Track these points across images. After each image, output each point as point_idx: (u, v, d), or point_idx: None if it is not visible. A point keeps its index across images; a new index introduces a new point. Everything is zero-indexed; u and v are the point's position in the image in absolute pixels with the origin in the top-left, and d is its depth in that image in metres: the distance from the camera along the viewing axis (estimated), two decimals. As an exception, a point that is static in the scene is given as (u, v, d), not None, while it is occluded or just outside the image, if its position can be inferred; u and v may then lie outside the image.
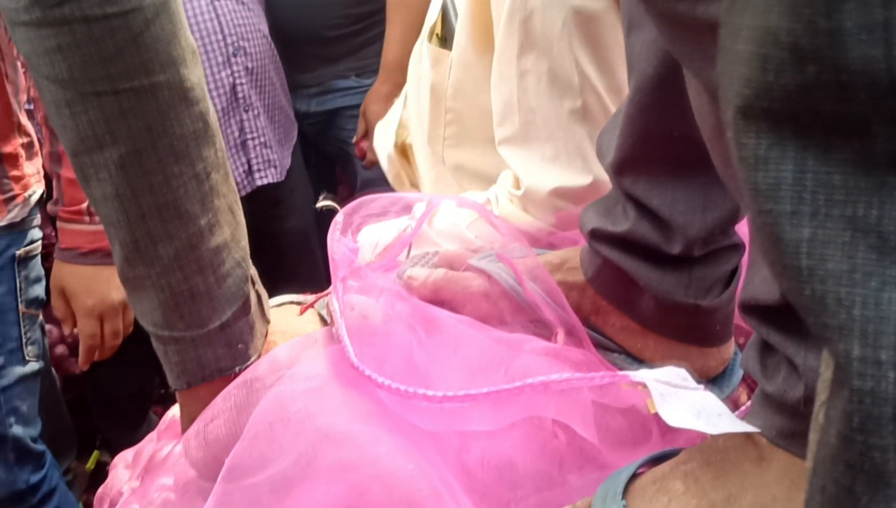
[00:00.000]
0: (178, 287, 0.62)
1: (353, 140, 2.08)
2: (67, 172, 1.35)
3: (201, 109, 0.61)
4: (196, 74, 0.61)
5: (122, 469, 0.84)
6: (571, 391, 0.55)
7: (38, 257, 1.44)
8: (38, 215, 1.44)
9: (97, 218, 1.34)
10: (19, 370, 1.38)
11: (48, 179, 1.47)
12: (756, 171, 0.28)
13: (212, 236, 0.63)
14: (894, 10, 0.25)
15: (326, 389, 0.62)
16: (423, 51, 1.00)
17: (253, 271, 0.68)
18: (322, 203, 0.87)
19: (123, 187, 0.59)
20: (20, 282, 1.39)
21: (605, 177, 0.69)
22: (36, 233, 1.43)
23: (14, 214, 1.36)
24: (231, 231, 0.65)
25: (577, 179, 0.79)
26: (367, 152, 2.03)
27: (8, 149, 1.34)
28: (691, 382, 0.54)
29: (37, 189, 1.41)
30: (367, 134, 2.05)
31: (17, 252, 1.38)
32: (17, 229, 1.37)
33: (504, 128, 0.84)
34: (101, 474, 1.50)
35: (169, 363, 0.66)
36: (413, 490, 0.53)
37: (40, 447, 1.45)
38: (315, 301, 0.77)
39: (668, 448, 0.52)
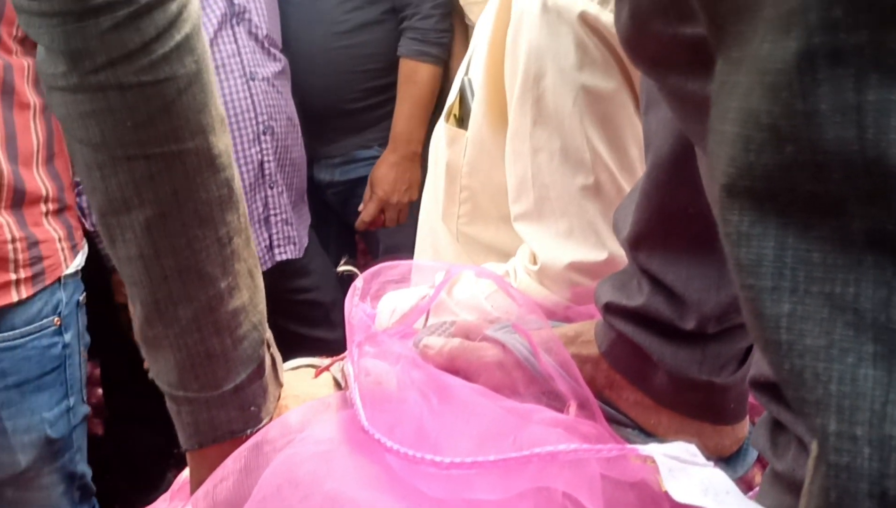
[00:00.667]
0: (195, 348, 0.63)
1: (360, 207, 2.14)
2: None
3: (227, 175, 0.63)
4: (224, 142, 0.63)
5: (134, 529, 0.84)
6: (580, 462, 0.54)
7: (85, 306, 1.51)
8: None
9: None
10: (83, 411, 1.45)
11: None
12: (739, 247, 0.29)
13: (230, 299, 0.64)
14: (866, 93, 0.26)
15: (336, 453, 0.62)
16: (441, 131, 1.02)
17: (269, 335, 0.69)
18: (342, 268, 0.89)
19: (147, 248, 0.61)
20: (81, 328, 1.45)
21: (620, 252, 0.70)
22: (82, 284, 1.50)
23: (78, 261, 1.44)
24: (249, 295, 0.66)
25: (592, 254, 0.80)
26: (364, 216, 2.11)
27: (72, 201, 1.42)
28: (701, 458, 0.54)
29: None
30: (371, 198, 2.11)
31: (79, 298, 1.45)
32: (78, 277, 1.44)
33: (519, 204, 0.85)
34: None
35: (181, 423, 0.67)
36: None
37: (93, 487, 1.51)
38: (330, 365, 0.77)
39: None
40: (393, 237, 2.10)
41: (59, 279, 1.38)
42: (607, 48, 0.80)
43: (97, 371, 2.22)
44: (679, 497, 0.48)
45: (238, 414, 0.66)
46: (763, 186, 0.29)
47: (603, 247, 0.80)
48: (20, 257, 1.31)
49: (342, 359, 0.75)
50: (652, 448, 0.53)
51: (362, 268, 0.82)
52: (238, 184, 0.65)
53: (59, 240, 1.38)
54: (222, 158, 0.62)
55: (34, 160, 1.35)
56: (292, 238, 2.05)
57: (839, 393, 0.27)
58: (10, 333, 1.30)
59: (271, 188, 1.98)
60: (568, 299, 0.82)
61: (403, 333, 0.81)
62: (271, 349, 0.69)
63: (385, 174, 2.10)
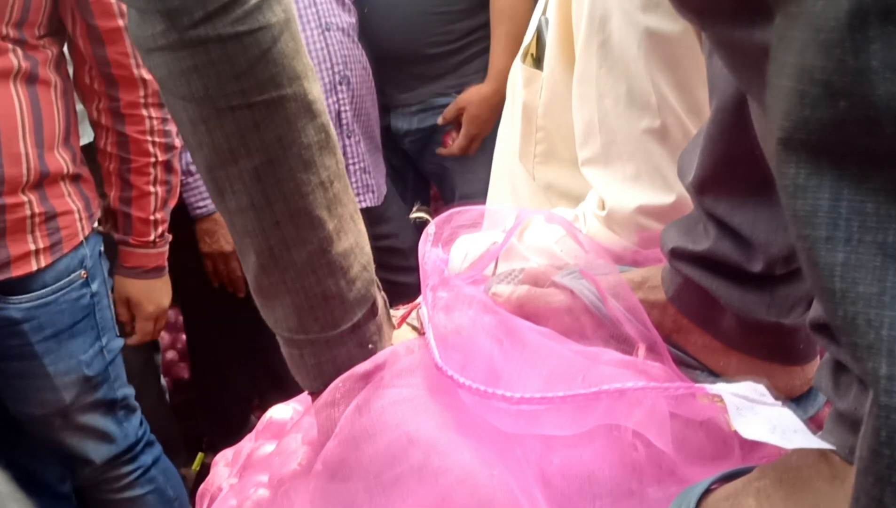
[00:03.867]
0: (312, 290, 0.65)
1: (440, 121, 2.14)
2: (138, 212, 1.59)
3: (323, 120, 0.65)
4: (317, 89, 0.64)
5: (223, 466, 0.88)
6: (649, 401, 0.56)
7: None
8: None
9: (160, 242, 1.62)
10: (118, 344, 1.60)
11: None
12: (795, 198, 0.30)
13: (339, 241, 0.66)
14: None
15: (418, 396, 0.65)
16: (517, 71, 1.03)
17: (376, 277, 0.71)
18: (416, 214, 0.90)
19: (258, 197, 0.63)
20: (105, 273, 1.59)
21: (687, 196, 0.70)
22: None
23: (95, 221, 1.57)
24: (355, 237, 0.68)
25: (659, 197, 0.80)
26: (455, 148, 2.10)
27: (86, 172, 1.55)
28: (769, 397, 0.55)
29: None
30: (464, 130, 2.10)
31: (100, 248, 1.58)
32: (97, 231, 1.58)
33: (586, 149, 0.86)
34: (206, 474, 1.58)
35: (305, 365, 0.70)
36: (493, 496, 0.55)
37: (136, 403, 1.67)
38: (408, 313, 0.80)
39: (742, 466, 0.53)
40: (470, 185, 2.10)
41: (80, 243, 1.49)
42: None
43: (181, 318, 2.29)
44: (747, 434, 0.49)
45: (358, 352, 0.68)
46: (818, 140, 0.29)
47: (670, 190, 0.80)
48: (38, 230, 1.42)
49: (417, 306, 0.77)
50: (720, 387, 0.54)
51: (435, 214, 0.84)
52: (332, 130, 0.66)
53: (78, 211, 1.49)
54: (318, 103, 0.64)
55: (55, 141, 1.44)
56: (371, 186, 2.07)
57: (890, 338, 0.28)
58: (43, 291, 1.43)
59: (349, 138, 2.00)
60: (636, 243, 0.82)
61: (475, 278, 0.82)
62: (381, 292, 0.72)
63: (481, 110, 2.09)
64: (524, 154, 1.02)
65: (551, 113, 0.96)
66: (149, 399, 2.05)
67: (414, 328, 0.78)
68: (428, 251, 0.78)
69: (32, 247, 1.42)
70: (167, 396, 2.30)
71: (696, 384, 0.55)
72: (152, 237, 1.61)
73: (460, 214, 0.82)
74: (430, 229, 0.79)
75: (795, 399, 0.71)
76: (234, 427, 2.22)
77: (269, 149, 0.62)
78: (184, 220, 1.86)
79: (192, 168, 1.81)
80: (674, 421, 0.59)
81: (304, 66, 0.63)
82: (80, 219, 1.49)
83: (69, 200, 1.47)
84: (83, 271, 1.49)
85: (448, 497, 0.56)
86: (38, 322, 1.44)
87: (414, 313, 0.79)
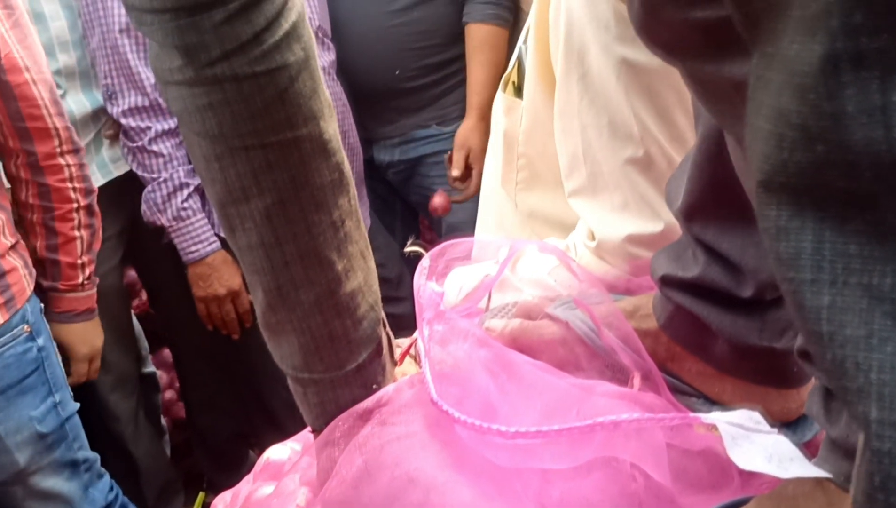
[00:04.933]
0: (318, 331, 0.65)
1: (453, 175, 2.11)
2: (65, 257, 1.63)
3: (338, 159, 0.65)
4: (333, 127, 0.64)
5: (221, 509, 0.88)
6: (644, 432, 0.56)
7: None
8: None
9: (88, 285, 1.65)
10: (72, 406, 1.58)
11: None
12: (778, 241, 0.30)
13: (348, 281, 0.66)
14: (891, 94, 0.27)
15: (416, 433, 0.65)
16: (499, 100, 1.04)
17: (382, 315, 0.71)
18: (409, 248, 0.91)
19: (268, 236, 0.63)
20: (47, 331, 1.59)
21: (675, 223, 0.70)
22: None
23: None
24: (364, 276, 0.68)
25: (648, 226, 0.81)
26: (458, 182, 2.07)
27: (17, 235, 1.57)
28: (765, 425, 0.55)
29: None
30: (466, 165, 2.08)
31: (40, 306, 1.58)
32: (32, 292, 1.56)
33: (572, 180, 0.86)
34: (207, 514, 1.58)
35: (308, 404, 0.69)
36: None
37: (103, 469, 1.64)
38: (409, 348, 0.80)
39: (740, 497, 0.53)
40: (455, 215, 2.12)
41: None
42: None
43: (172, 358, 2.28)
44: (743, 464, 0.49)
45: (362, 392, 0.68)
46: (798, 182, 0.30)
47: (658, 218, 0.81)
48: None
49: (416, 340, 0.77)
50: (715, 417, 0.54)
51: (429, 246, 0.84)
52: (347, 167, 0.66)
53: (22, 267, 1.51)
54: (333, 142, 0.64)
55: None
56: None
57: (879, 381, 0.28)
58: None
59: None
60: (627, 272, 0.83)
61: (469, 311, 0.83)
62: (386, 329, 0.72)
63: (481, 140, 2.06)
64: (506, 181, 1.03)
65: (532, 140, 0.97)
66: (144, 442, 2.04)
67: (416, 359, 0.78)
68: (423, 285, 0.78)
69: None
70: (167, 436, 2.29)
71: (692, 414, 0.55)
72: (80, 281, 1.65)
73: (454, 246, 0.82)
74: (424, 263, 0.79)
75: (792, 423, 0.71)
76: (231, 465, 2.21)
77: (281, 189, 0.61)
78: (176, 265, 1.86)
79: (183, 214, 1.81)
80: (671, 451, 0.59)
81: (321, 104, 0.63)
82: (25, 275, 1.51)
83: (11, 258, 1.49)
84: (26, 326, 1.49)
85: (448, 536, 0.56)
86: None
87: (414, 347, 0.79)
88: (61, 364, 1.60)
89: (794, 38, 0.29)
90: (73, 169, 1.58)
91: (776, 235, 0.30)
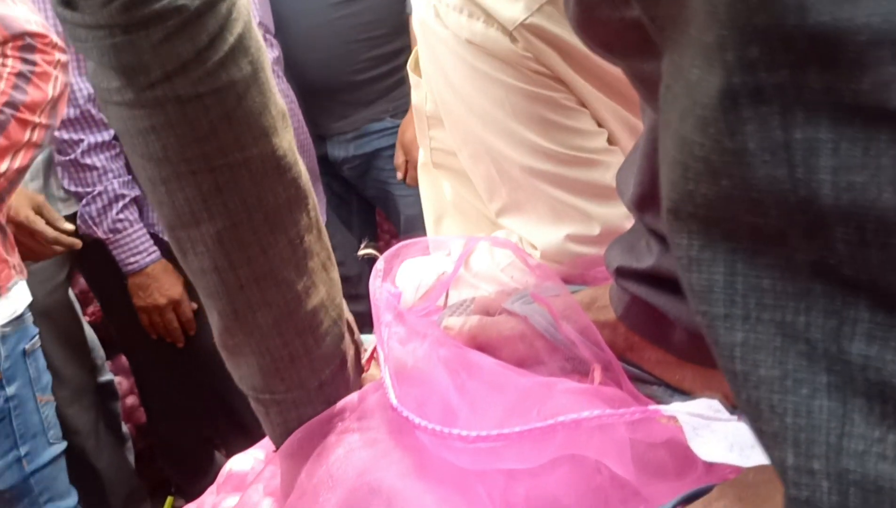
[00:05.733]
0: (278, 352, 0.63)
1: (398, 178, 2.10)
2: None
3: (293, 174, 0.61)
4: (286, 140, 0.61)
5: (186, 523, 0.87)
6: (606, 428, 0.56)
7: (40, 349, 1.53)
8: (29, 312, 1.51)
9: None
10: (46, 455, 1.48)
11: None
12: (690, 272, 0.29)
13: (308, 299, 0.63)
14: (793, 132, 0.26)
15: (377, 440, 0.64)
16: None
17: (351, 320, 0.69)
18: (363, 251, 0.90)
19: (221, 260, 0.60)
20: (33, 374, 1.48)
21: (612, 219, 0.70)
22: (33, 329, 1.51)
23: (12, 309, 1.42)
24: (326, 289, 0.65)
25: (583, 229, 0.81)
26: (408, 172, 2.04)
27: None
28: (724, 412, 0.55)
29: (18, 280, 1.46)
30: (408, 162, 2.06)
31: (26, 346, 1.46)
32: (24, 325, 1.45)
33: (496, 201, 0.87)
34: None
35: (271, 423, 0.68)
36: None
37: None
38: (371, 356, 0.79)
39: (701, 486, 0.53)
40: (414, 206, 2.10)
41: None
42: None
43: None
44: (704, 455, 0.49)
45: (324, 409, 0.67)
46: (706, 214, 0.28)
47: (590, 221, 0.81)
48: None
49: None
50: (675, 408, 0.54)
51: (387, 241, 0.83)
52: (305, 179, 0.63)
53: None
54: (287, 157, 0.61)
55: None
56: None
57: (795, 426, 0.27)
58: None
59: None
60: (579, 266, 0.83)
61: (428, 310, 0.82)
62: (355, 337, 0.70)
63: (410, 131, 2.05)
64: (422, 141, 1.02)
65: (438, 125, 0.96)
66: (106, 454, 2.02)
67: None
68: (379, 288, 0.77)
69: None
70: (130, 443, 2.26)
71: (652, 407, 0.55)
72: None
73: (408, 247, 0.81)
74: (379, 265, 0.78)
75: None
76: (198, 469, 2.20)
77: (232, 213, 0.58)
78: (116, 276, 1.83)
79: (119, 225, 1.78)
80: (635, 444, 0.59)
81: (272, 119, 0.59)
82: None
83: None
84: None
85: (414, 545, 0.56)
86: None
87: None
88: (39, 410, 1.49)
89: (693, 62, 0.28)
90: None
91: (688, 265, 0.29)
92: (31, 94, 1.33)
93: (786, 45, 0.25)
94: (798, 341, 0.27)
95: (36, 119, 1.35)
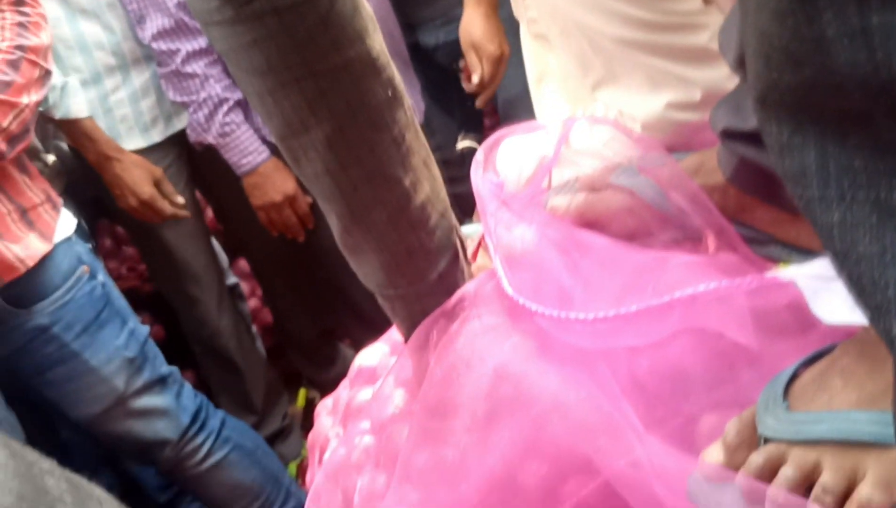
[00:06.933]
0: (396, 247, 0.67)
1: (474, 82, 1.96)
2: None
3: (388, 74, 0.64)
4: (378, 42, 0.63)
5: (325, 416, 0.92)
6: (724, 299, 0.56)
7: None
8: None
9: None
10: (144, 329, 1.66)
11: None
12: (783, 158, 0.29)
13: (416, 195, 0.66)
14: (870, 17, 0.26)
15: (499, 325, 0.66)
16: None
17: (455, 221, 0.72)
18: (462, 144, 0.90)
19: (332, 163, 0.63)
20: (104, 269, 1.64)
21: (712, 82, 0.68)
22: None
23: (68, 219, 1.58)
24: (430, 185, 0.68)
25: (683, 95, 0.79)
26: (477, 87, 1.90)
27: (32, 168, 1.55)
28: (845, 271, 0.54)
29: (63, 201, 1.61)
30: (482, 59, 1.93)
31: (90, 246, 1.64)
32: (79, 233, 1.60)
33: (591, 75, 0.85)
34: (311, 409, 1.66)
35: (398, 317, 0.72)
36: (585, 417, 0.56)
37: (183, 379, 1.73)
38: (481, 242, 0.80)
39: (824, 346, 0.53)
40: (510, 88, 2.05)
41: (67, 237, 1.53)
42: None
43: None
44: (826, 318, 0.49)
45: (446, 299, 0.70)
46: (792, 101, 0.29)
47: (690, 86, 0.78)
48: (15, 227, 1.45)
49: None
50: (793, 272, 0.54)
51: (489, 129, 0.84)
52: (398, 80, 0.65)
53: (42, 203, 1.51)
54: (381, 58, 0.63)
55: None
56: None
57: None
58: (57, 293, 1.50)
59: None
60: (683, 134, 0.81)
61: (532, 195, 0.82)
62: (459, 233, 0.72)
63: (475, 29, 1.91)
64: (519, 12, 0.99)
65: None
66: (245, 352, 2.13)
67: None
68: (481, 178, 0.77)
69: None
70: (260, 342, 2.37)
71: (769, 274, 0.54)
72: None
73: (505, 135, 0.81)
74: (478, 157, 0.79)
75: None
76: (325, 361, 2.29)
77: (338, 116, 0.61)
78: (234, 176, 1.88)
79: (227, 129, 1.82)
80: (756, 311, 0.58)
81: (363, 22, 0.61)
82: (47, 211, 1.52)
83: (30, 193, 1.49)
84: (84, 267, 1.54)
85: (542, 426, 0.58)
86: (65, 322, 1.51)
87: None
88: (121, 296, 1.66)
89: None
90: None
91: (780, 152, 0.29)
92: (33, 40, 1.44)
93: None
94: (894, 216, 0.28)
95: (41, 62, 1.45)
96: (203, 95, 1.80)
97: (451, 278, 0.70)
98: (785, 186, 0.63)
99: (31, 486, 0.23)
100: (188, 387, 1.73)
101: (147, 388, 1.62)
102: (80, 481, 0.26)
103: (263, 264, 2.21)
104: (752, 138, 0.65)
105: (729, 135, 0.67)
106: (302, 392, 2.37)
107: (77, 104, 1.73)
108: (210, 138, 1.83)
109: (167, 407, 1.65)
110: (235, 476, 1.75)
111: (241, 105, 1.84)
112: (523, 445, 0.60)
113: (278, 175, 1.86)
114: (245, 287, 2.45)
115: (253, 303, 2.47)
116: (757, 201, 0.69)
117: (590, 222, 0.73)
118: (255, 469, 1.78)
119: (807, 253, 0.67)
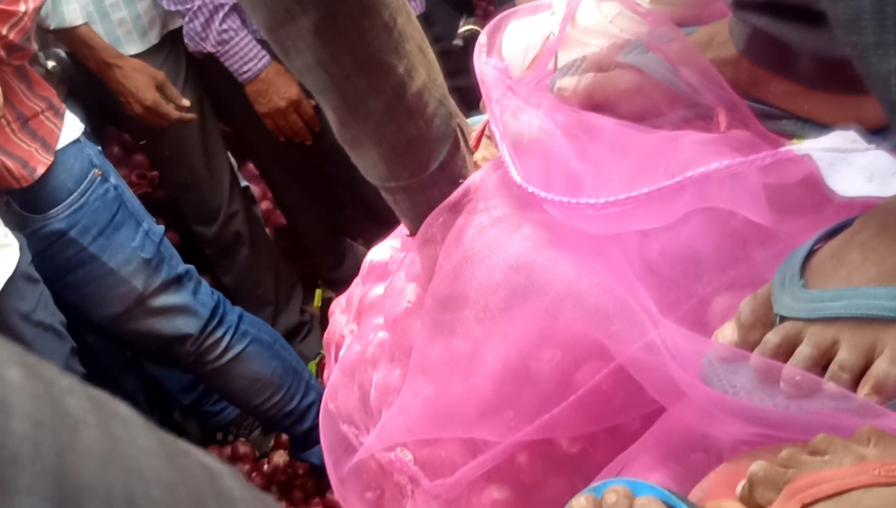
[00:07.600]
0: (395, 137, 0.64)
1: None
2: None
3: None
4: None
5: (339, 314, 0.91)
6: (737, 176, 0.54)
7: None
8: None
9: None
10: (159, 229, 1.68)
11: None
12: (835, 2, 0.27)
13: (412, 82, 0.64)
14: None
15: (507, 216, 0.65)
16: None
17: (453, 106, 0.70)
18: (463, 28, 0.87)
19: (323, 53, 0.61)
20: (116, 172, 1.65)
21: None
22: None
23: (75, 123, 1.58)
24: (426, 71, 0.66)
25: None
26: None
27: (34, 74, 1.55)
28: (861, 142, 0.52)
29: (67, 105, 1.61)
30: None
31: (100, 149, 1.65)
32: (87, 136, 1.60)
33: None
34: (328, 308, 1.68)
35: (402, 210, 0.70)
36: (599, 302, 0.55)
37: (199, 277, 1.76)
38: (483, 130, 0.78)
39: (842, 220, 0.51)
40: None
41: (76, 141, 1.54)
42: None
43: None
44: (844, 192, 0.48)
45: (450, 189, 0.68)
46: None
47: None
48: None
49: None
50: (808, 146, 0.52)
51: (484, 9, 0.80)
52: None
53: (42, 110, 1.50)
54: None
55: None
56: None
57: None
58: (71, 197, 1.53)
59: None
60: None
61: (538, 78, 0.80)
62: (458, 119, 0.70)
63: None
64: None
65: None
66: (260, 250, 2.14)
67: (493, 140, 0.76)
68: (484, 64, 0.75)
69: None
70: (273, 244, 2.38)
71: (783, 149, 0.53)
72: None
73: (509, 17, 0.78)
74: (481, 40, 0.76)
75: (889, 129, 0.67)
76: (337, 257, 2.31)
77: (325, 2, 0.59)
78: (237, 83, 1.86)
79: (225, 37, 1.78)
80: (767, 185, 0.57)
81: None
82: (49, 118, 1.51)
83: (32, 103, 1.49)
84: (96, 169, 1.55)
85: (556, 313, 0.57)
86: (82, 226, 1.54)
87: (489, 128, 0.77)
88: (135, 197, 1.68)
89: None
90: None
91: None
92: None
93: None
94: None
95: None
96: (198, 2, 1.76)
97: (454, 167, 0.68)
98: (835, 34, 0.61)
99: (50, 408, 0.22)
100: (205, 284, 1.76)
101: (165, 286, 1.65)
102: (104, 398, 0.25)
103: (272, 166, 2.20)
104: (766, 7, 0.63)
105: (741, 5, 0.64)
106: (318, 292, 2.39)
107: (71, 12, 1.70)
108: (209, 47, 1.80)
109: (186, 304, 1.68)
110: (255, 368, 1.79)
111: (237, 9, 1.80)
112: (536, 333, 0.59)
113: (281, 80, 1.84)
114: (256, 191, 2.44)
115: (265, 205, 2.47)
116: (770, 74, 0.66)
117: (598, 103, 0.71)
118: (274, 362, 1.82)
119: (821, 127, 0.65)
